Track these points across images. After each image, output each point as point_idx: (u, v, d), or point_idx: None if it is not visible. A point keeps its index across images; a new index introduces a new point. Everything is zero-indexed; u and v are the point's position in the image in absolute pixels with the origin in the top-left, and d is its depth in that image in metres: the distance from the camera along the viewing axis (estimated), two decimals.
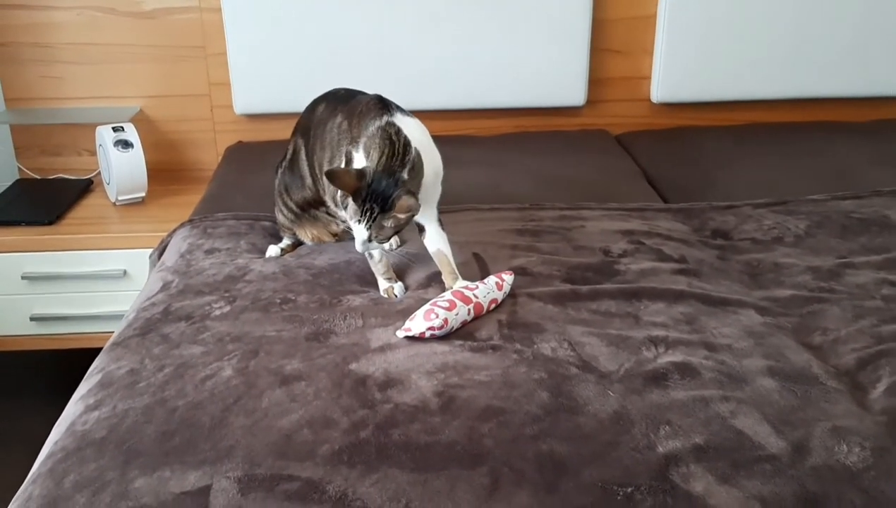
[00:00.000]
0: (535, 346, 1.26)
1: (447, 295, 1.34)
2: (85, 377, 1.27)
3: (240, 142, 2.47)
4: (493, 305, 1.37)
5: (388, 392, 1.15)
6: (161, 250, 1.79)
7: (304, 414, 1.10)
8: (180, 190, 2.36)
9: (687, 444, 1.03)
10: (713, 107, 2.53)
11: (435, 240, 1.46)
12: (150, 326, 1.36)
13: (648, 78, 2.51)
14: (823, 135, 2.40)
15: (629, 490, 0.96)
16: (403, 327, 1.30)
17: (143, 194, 2.24)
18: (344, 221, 1.54)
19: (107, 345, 1.34)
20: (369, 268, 1.53)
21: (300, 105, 2.26)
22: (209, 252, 1.66)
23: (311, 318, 1.36)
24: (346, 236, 1.64)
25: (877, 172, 2.11)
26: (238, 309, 1.40)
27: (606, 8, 2.42)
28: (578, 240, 1.67)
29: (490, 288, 1.37)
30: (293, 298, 1.44)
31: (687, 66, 2.45)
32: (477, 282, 1.39)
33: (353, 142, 1.38)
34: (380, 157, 1.30)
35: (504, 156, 2.26)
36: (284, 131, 2.39)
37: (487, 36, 2.37)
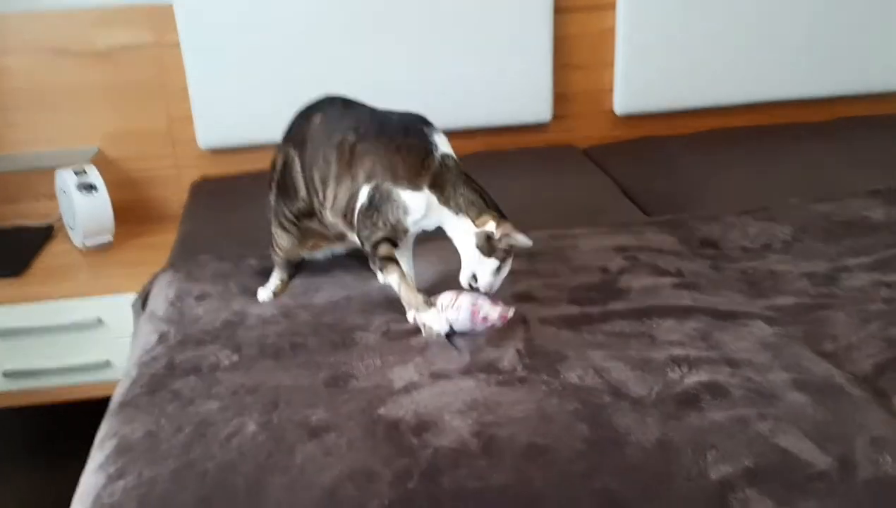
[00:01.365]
0: (562, 375, 1.24)
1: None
2: (96, 443, 1.20)
3: (204, 177, 2.40)
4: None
5: (423, 436, 1.11)
6: (144, 297, 1.72)
7: (343, 468, 1.06)
8: (148, 230, 2.28)
9: (738, 468, 1.03)
10: (675, 116, 2.57)
11: (406, 263, 1.48)
12: (157, 383, 1.30)
13: (610, 90, 2.53)
14: (786, 138, 2.46)
15: None
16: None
17: (111, 237, 2.16)
18: (336, 232, 1.53)
19: (113, 406, 1.28)
20: (370, 301, 1.50)
21: (266, 136, 2.22)
22: (200, 297, 1.60)
23: (326, 362, 1.32)
24: (346, 238, 1.58)
25: (845, 172, 2.16)
26: (247, 358, 1.35)
27: (566, 24, 2.44)
28: (574, 260, 1.66)
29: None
30: (302, 342, 1.39)
31: (647, 77, 2.49)
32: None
33: (401, 180, 1.37)
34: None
35: (477, 177, 2.24)
36: (250, 164, 2.36)
37: (451, 57, 2.36)
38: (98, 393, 2.10)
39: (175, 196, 2.39)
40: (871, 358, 1.30)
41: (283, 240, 1.59)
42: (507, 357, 1.30)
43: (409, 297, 1.40)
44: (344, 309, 1.51)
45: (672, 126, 2.56)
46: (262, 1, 2.23)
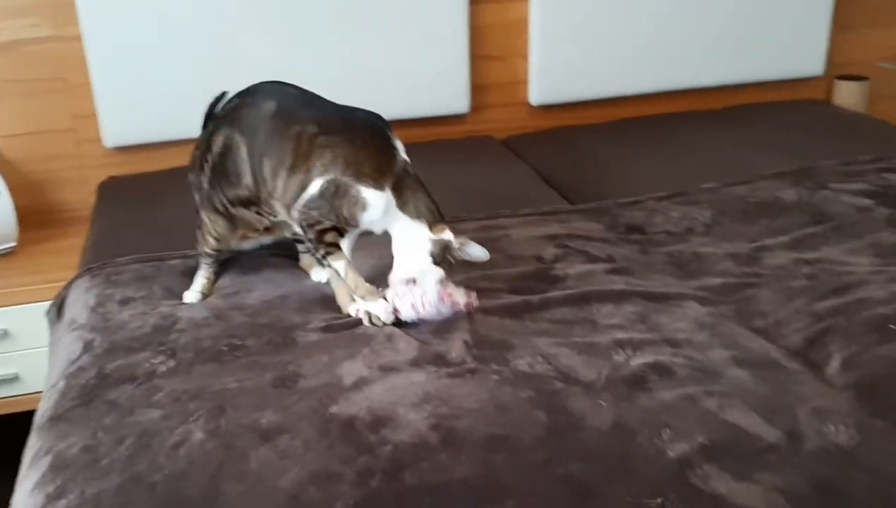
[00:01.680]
0: (512, 364, 1.25)
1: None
2: (27, 461, 1.13)
3: (111, 177, 2.29)
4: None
5: (381, 432, 1.09)
6: (59, 305, 1.63)
7: (302, 471, 1.03)
8: (54, 234, 2.16)
9: (693, 445, 1.06)
10: (589, 106, 2.61)
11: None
12: (89, 394, 1.23)
13: (525, 82, 2.55)
14: (691, 124, 2.54)
15: (659, 500, 0.96)
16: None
17: (14, 244, 2.04)
18: (272, 222, 1.50)
19: (40, 421, 1.20)
20: (306, 299, 1.47)
21: (175, 132, 2.15)
22: (123, 302, 1.52)
23: (270, 363, 1.28)
24: (275, 230, 1.56)
25: (752, 155, 2.25)
26: (185, 362, 1.30)
27: (481, 14, 2.45)
28: (508, 250, 1.67)
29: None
30: (240, 343, 1.34)
31: (560, 67, 2.52)
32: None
33: (365, 178, 1.35)
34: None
35: None
36: (160, 161, 2.27)
37: (368, 50, 2.33)
38: (7, 410, 1.99)
39: (81, 198, 2.28)
40: (800, 332, 1.35)
41: (218, 226, 1.52)
42: (455, 348, 1.29)
43: (357, 284, 1.38)
44: (279, 308, 1.47)
45: (586, 115, 2.61)
46: None
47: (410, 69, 2.38)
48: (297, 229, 1.43)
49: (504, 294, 1.48)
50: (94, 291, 1.58)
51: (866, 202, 1.85)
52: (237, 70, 2.19)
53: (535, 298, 1.45)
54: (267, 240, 1.61)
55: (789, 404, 1.14)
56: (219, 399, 1.19)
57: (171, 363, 1.30)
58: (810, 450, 1.05)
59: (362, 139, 1.38)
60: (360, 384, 1.20)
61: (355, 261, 1.46)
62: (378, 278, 1.43)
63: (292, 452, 1.06)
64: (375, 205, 1.35)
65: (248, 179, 1.44)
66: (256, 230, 1.55)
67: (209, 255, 1.57)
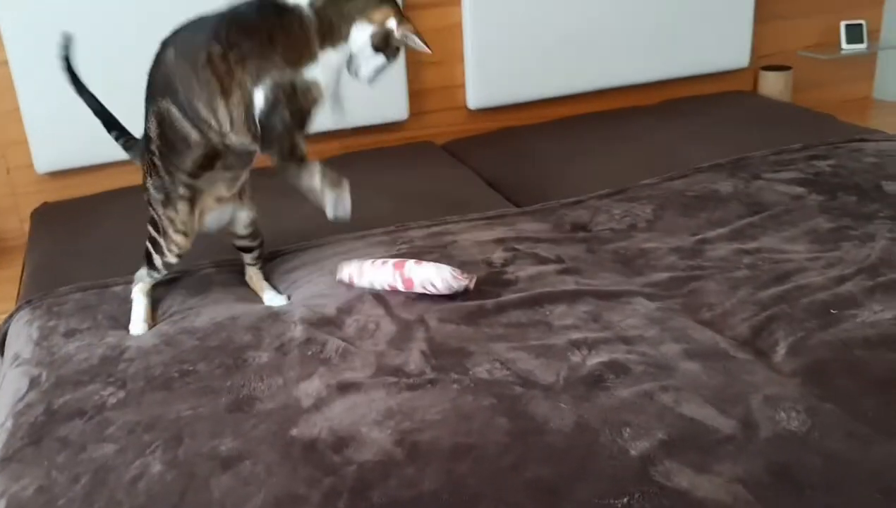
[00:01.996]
0: (471, 372, 1.25)
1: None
2: None
3: (45, 203, 2.22)
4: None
5: (344, 452, 1.09)
6: (0, 340, 1.58)
7: (267, 496, 1.02)
8: None
9: (654, 442, 1.08)
10: (527, 107, 2.64)
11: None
12: (39, 431, 1.19)
13: (463, 86, 2.57)
14: (627, 120, 2.59)
15: (625, 499, 0.98)
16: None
17: None
18: (241, 147, 1.41)
19: None
20: (256, 317, 1.47)
21: (108, 155, 2.10)
22: (68, 334, 1.48)
23: (223, 387, 1.26)
24: (228, 202, 1.52)
25: (687, 148, 2.30)
26: (135, 392, 1.27)
27: (415, 20, 2.43)
28: (459, 256, 1.67)
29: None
30: (192, 369, 1.32)
31: (497, 70, 2.54)
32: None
33: (295, 63, 1.32)
34: None
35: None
36: (94, 185, 2.21)
37: None
38: None
39: (14, 226, 2.21)
40: (746, 322, 1.39)
41: (182, 215, 1.46)
42: (413, 359, 1.29)
43: (335, 179, 1.39)
44: (229, 330, 1.45)
45: (525, 116, 2.64)
46: (91, 11, 2.09)
47: (346, 78, 2.36)
48: (259, 149, 1.39)
49: (458, 300, 1.49)
50: (36, 324, 1.53)
51: (799, 190, 1.91)
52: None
53: (488, 303, 1.46)
54: (226, 212, 1.54)
55: (741, 394, 1.17)
56: (174, 428, 1.16)
57: (121, 394, 1.27)
58: (765, 438, 1.08)
59: (265, 29, 1.32)
60: (318, 404, 1.19)
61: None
62: None
63: (255, 478, 1.05)
64: (323, 74, 1.34)
65: (195, 135, 1.38)
66: (217, 199, 1.50)
67: (170, 265, 1.51)
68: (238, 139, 1.38)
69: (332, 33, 1.35)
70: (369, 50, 1.36)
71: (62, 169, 2.20)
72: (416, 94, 2.50)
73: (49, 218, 2.14)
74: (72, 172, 2.22)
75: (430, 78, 2.52)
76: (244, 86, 1.32)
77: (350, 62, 1.39)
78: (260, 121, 1.34)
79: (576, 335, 1.35)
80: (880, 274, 1.48)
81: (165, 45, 1.40)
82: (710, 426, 1.11)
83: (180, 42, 1.38)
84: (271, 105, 1.32)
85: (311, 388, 1.23)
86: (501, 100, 2.59)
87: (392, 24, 1.35)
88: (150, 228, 1.51)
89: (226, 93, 1.33)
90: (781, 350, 1.30)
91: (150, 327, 1.49)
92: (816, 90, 3.04)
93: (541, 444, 1.08)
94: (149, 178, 1.48)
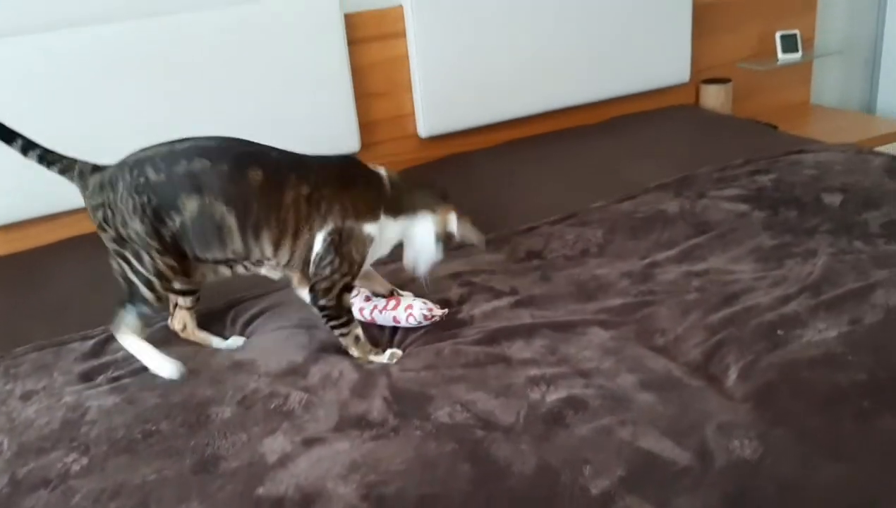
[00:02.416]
0: (433, 416, 1.27)
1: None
2: None
3: None
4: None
5: None
6: None
7: None
8: None
9: (613, 479, 1.11)
10: (477, 132, 2.68)
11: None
12: (4, 503, 1.18)
13: (413, 115, 2.60)
14: (574, 139, 2.66)
15: None
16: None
17: None
18: (275, 276, 1.51)
19: None
20: (217, 370, 1.46)
21: (61, 203, 2.09)
22: (25, 397, 1.47)
23: (187, 447, 1.26)
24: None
25: (633, 166, 2.36)
26: (98, 457, 1.26)
27: (361, 55, 2.47)
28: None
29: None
30: (154, 429, 1.32)
31: (445, 98, 2.58)
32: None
33: (363, 215, 1.43)
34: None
35: None
36: (44, 236, 2.19)
37: (254, 99, 2.32)
38: None
39: None
40: (697, 348, 1.43)
41: (178, 281, 1.48)
42: (376, 407, 1.30)
43: (366, 350, 1.47)
44: (192, 384, 1.45)
45: (475, 141, 2.68)
46: (34, 57, 2.08)
47: (298, 114, 2.38)
48: (304, 296, 1.47)
49: (416, 344, 1.51)
50: None
51: (742, 207, 1.96)
52: (127, 127, 2.18)
53: (445, 345, 1.48)
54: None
55: (696, 423, 1.21)
56: (140, 494, 1.16)
57: (85, 460, 1.26)
58: (719, 468, 1.12)
59: (346, 179, 1.43)
60: (284, 460, 1.20)
61: None
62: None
63: None
64: (378, 235, 1.43)
65: (237, 246, 1.41)
66: (215, 273, 1.50)
67: (165, 290, 1.47)
68: (283, 272, 1.47)
69: (398, 208, 1.48)
70: (431, 241, 1.50)
71: (11, 222, 2.17)
72: (366, 126, 2.52)
73: (4, 271, 2.11)
74: (19, 225, 2.19)
75: (379, 109, 2.55)
76: (313, 229, 1.40)
77: (407, 252, 1.52)
78: (314, 267, 1.42)
79: (534, 371, 1.37)
80: (822, 292, 1.54)
81: (244, 158, 1.40)
82: (667, 458, 1.14)
83: (268, 168, 1.40)
84: (325, 249, 1.40)
85: (275, 444, 1.24)
86: (451, 127, 2.63)
87: (453, 222, 1.50)
88: (121, 263, 1.45)
89: (296, 235, 1.41)
90: (732, 374, 1.34)
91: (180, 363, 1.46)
92: (756, 99, 3.14)
93: (504, 489, 1.10)
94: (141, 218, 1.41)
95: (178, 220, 1.40)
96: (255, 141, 1.48)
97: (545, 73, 2.69)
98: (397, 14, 2.48)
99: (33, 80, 2.10)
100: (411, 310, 1.55)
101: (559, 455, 1.16)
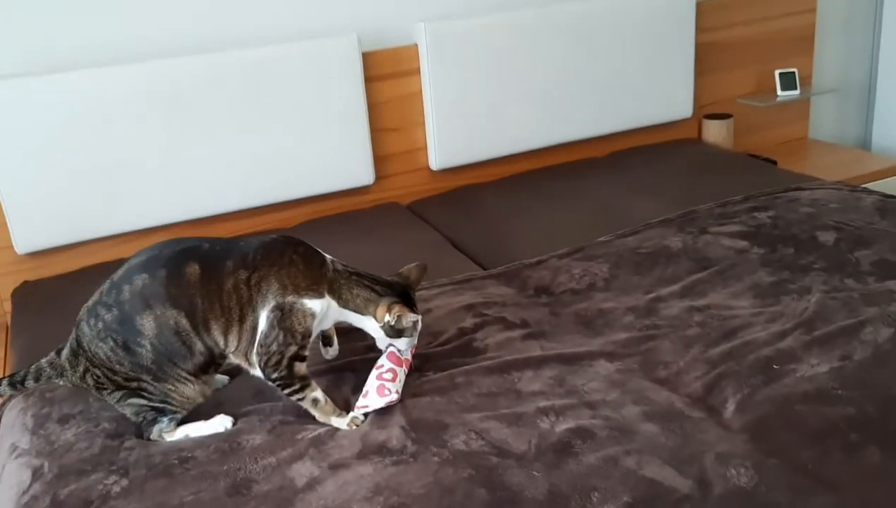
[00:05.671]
0: (449, 444, 1.36)
1: (386, 364, 1.50)
2: None
3: (26, 282, 2.29)
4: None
5: None
6: None
7: None
8: None
9: (619, 505, 1.19)
10: (486, 165, 2.78)
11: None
12: None
13: (425, 148, 2.70)
14: (578, 173, 2.76)
15: None
16: (359, 405, 1.45)
17: None
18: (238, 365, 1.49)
19: None
20: (243, 399, 1.54)
21: (88, 232, 2.18)
22: (63, 421, 1.56)
23: (221, 471, 1.35)
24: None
25: (637, 201, 2.45)
26: (137, 480, 1.35)
27: (377, 92, 2.58)
28: (433, 325, 1.78)
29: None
30: (190, 455, 1.41)
31: (456, 133, 2.68)
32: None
33: (303, 290, 1.44)
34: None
35: (311, 243, 2.32)
36: (74, 261, 2.29)
37: (273, 136, 2.43)
38: None
39: None
40: (699, 380, 1.52)
41: (187, 390, 1.47)
42: (395, 435, 1.39)
43: (328, 412, 1.47)
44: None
45: (484, 173, 2.78)
46: (58, 95, 2.18)
47: (316, 149, 2.49)
48: (258, 373, 1.45)
49: (430, 372, 1.60)
50: (30, 412, 1.60)
51: (742, 244, 2.06)
52: (141, 168, 2.28)
53: (459, 373, 1.57)
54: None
55: (696, 453, 1.30)
56: None
57: (125, 482, 1.35)
58: (718, 495, 1.20)
59: (287, 258, 1.45)
60: (312, 483, 1.29)
61: None
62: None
63: None
64: (320, 311, 1.45)
65: (199, 347, 1.43)
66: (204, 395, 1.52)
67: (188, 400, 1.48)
68: (235, 360, 1.47)
69: (341, 297, 1.49)
70: (383, 336, 1.52)
71: (43, 248, 2.27)
72: (380, 159, 2.63)
73: (31, 297, 2.21)
74: (44, 252, 2.29)
75: (393, 143, 2.65)
76: (256, 309, 1.43)
77: (378, 341, 1.55)
78: (258, 347, 1.43)
79: (543, 402, 1.46)
80: (815, 328, 1.63)
81: (180, 257, 1.43)
82: (669, 486, 1.23)
83: (205, 261, 1.43)
84: (270, 325, 1.41)
85: (303, 469, 1.33)
86: (462, 160, 2.73)
87: (387, 318, 1.49)
88: (137, 400, 1.47)
89: (242, 319, 1.43)
90: (731, 406, 1.43)
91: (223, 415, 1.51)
92: (756, 134, 3.24)
93: None
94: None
95: (146, 344, 1.41)
96: (186, 236, 1.51)
97: (553, 108, 2.79)
98: (412, 52, 2.59)
99: (53, 120, 2.19)
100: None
101: (569, 482, 1.25)
